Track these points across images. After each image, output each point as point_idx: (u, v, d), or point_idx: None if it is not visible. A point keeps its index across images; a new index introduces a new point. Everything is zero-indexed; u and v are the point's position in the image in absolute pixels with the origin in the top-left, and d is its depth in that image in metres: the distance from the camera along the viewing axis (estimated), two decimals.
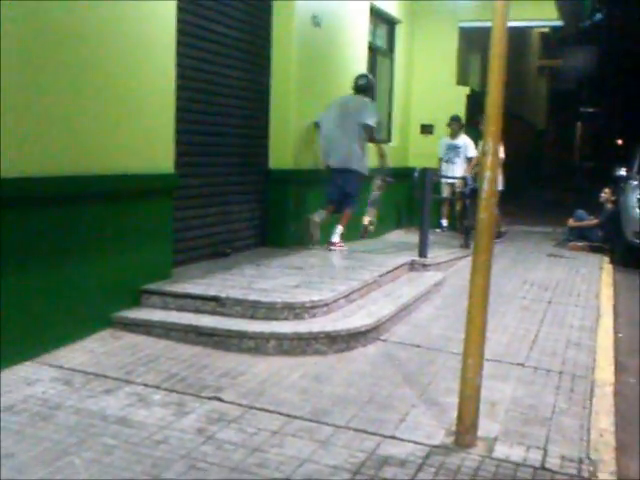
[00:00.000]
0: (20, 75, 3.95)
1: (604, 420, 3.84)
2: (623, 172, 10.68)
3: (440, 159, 10.41)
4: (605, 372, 4.71)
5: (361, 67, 9.00)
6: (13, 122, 3.90)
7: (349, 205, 7.43)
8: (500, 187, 10.85)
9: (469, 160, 10.24)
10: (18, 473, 2.88)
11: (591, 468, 3.24)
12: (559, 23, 13.48)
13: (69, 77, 4.34)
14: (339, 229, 7.39)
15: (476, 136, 10.00)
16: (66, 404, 3.60)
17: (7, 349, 3.99)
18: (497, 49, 3.25)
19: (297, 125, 7.41)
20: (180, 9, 5.45)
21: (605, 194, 10.81)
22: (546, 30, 21.74)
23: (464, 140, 10.25)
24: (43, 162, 4.16)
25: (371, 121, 7.36)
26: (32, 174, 4.05)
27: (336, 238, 7.36)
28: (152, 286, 5.17)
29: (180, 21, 5.47)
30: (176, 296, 5.09)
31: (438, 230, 10.06)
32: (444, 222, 10.59)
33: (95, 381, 3.94)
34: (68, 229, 4.41)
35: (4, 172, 3.83)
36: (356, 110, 7.37)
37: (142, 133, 5.05)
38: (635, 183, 9.86)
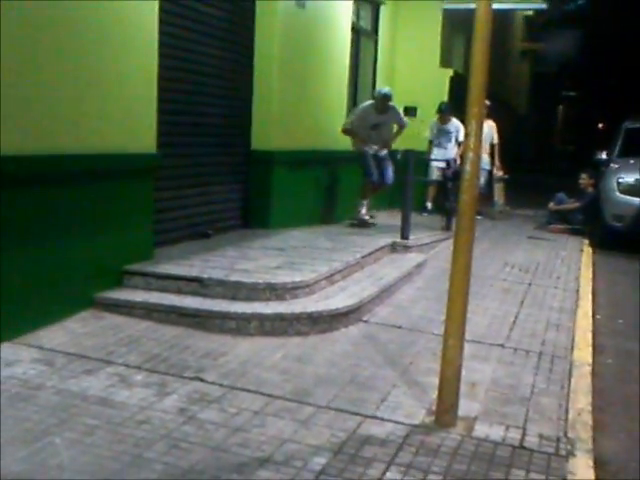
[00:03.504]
0: None
1: (582, 400, 3.90)
2: (604, 156, 10.73)
3: (430, 142, 10.36)
4: (583, 353, 4.77)
5: (344, 48, 8.96)
6: None
7: None
8: (487, 167, 10.92)
9: (460, 144, 10.22)
10: None
11: (568, 447, 3.29)
12: (543, 6, 13.51)
13: (49, 57, 4.26)
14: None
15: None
16: (47, 385, 3.58)
17: None
18: (481, 31, 3.25)
19: (280, 106, 7.37)
20: None
21: (583, 180, 10.82)
22: (530, 13, 21.78)
23: (455, 124, 10.19)
24: (23, 141, 4.10)
25: None
26: (12, 153, 3.98)
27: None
28: (134, 267, 5.14)
29: (163, 0, 5.39)
30: (158, 277, 5.07)
31: (425, 214, 10.03)
32: (429, 205, 10.58)
33: (76, 362, 3.93)
34: (49, 209, 4.36)
35: None
36: None
37: (124, 113, 4.99)
38: (615, 167, 9.92)
